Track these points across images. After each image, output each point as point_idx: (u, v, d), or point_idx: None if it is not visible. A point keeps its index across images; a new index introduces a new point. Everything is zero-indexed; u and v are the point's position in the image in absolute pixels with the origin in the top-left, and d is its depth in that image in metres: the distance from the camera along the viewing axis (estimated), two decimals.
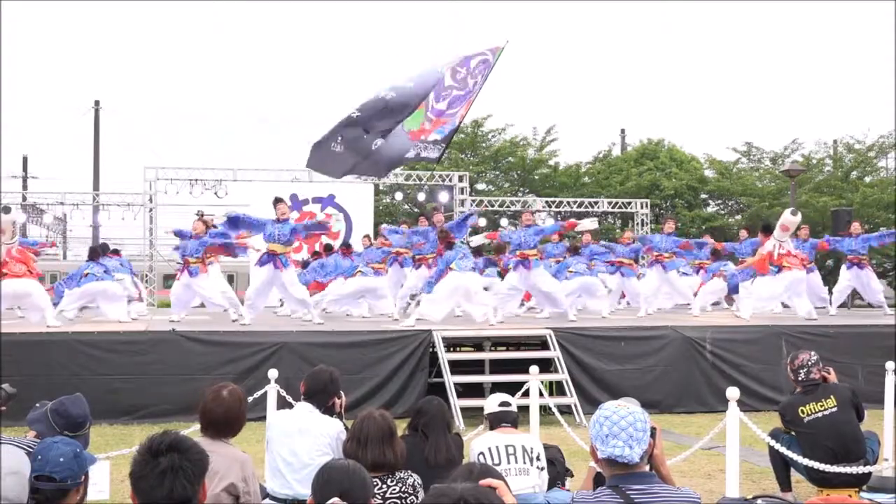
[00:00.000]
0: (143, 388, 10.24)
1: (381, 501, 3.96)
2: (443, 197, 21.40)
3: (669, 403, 11.03)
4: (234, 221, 12.30)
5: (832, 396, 6.17)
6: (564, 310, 12.52)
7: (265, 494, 4.61)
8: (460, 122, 12.38)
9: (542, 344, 11.00)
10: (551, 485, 5.14)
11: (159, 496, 2.58)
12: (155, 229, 19.90)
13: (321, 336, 10.95)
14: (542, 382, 8.45)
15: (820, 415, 6.13)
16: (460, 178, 21.63)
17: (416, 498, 4.05)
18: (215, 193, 19.40)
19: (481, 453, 4.84)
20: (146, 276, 19.46)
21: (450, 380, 10.26)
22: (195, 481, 2.65)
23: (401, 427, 4.64)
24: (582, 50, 78.03)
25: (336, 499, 2.81)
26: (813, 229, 19.65)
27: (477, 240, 13.02)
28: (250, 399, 7.74)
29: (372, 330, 11.28)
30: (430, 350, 10.85)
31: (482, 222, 21.73)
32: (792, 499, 6.27)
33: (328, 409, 4.82)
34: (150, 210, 19.86)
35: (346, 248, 14.88)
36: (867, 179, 28.47)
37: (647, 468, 2.97)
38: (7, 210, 11.40)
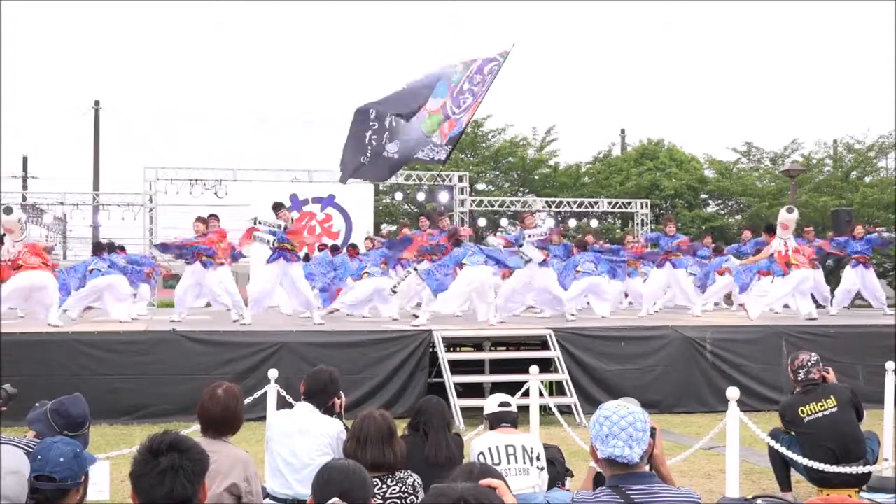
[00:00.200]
0: (143, 388, 10.24)
1: (381, 501, 3.96)
2: (443, 197, 21.40)
3: (669, 403, 11.04)
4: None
5: (832, 396, 6.18)
6: (565, 310, 12.52)
7: (265, 494, 4.61)
8: (467, 125, 12.47)
9: (542, 344, 11.00)
10: (551, 485, 5.14)
11: (159, 496, 2.59)
12: (155, 229, 19.88)
13: (321, 336, 10.95)
14: (542, 382, 8.45)
15: (820, 415, 6.14)
16: (460, 178, 21.63)
17: (416, 498, 4.05)
18: (215, 193, 19.40)
19: (481, 453, 4.84)
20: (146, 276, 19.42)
21: (450, 380, 10.26)
22: (195, 481, 2.65)
23: (401, 427, 4.65)
24: (582, 50, 78.09)
25: (336, 499, 2.82)
26: (814, 229, 19.60)
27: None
28: (250, 399, 7.77)
29: (372, 330, 11.28)
30: (430, 350, 10.85)
31: (482, 222, 21.75)
32: (792, 499, 6.28)
33: (328, 409, 4.82)
34: (150, 210, 19.86)
35: (353, 248, 14.87)
36: (867, 179, 28.47)
37: (647, 468, 2.97)
38: (9, 211, 11.40)
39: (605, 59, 77.41)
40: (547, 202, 23.97)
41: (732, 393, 5.85)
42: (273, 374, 7.83)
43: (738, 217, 29.34)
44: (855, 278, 14.06)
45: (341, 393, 4.97)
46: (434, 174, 21.22)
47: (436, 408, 5.03)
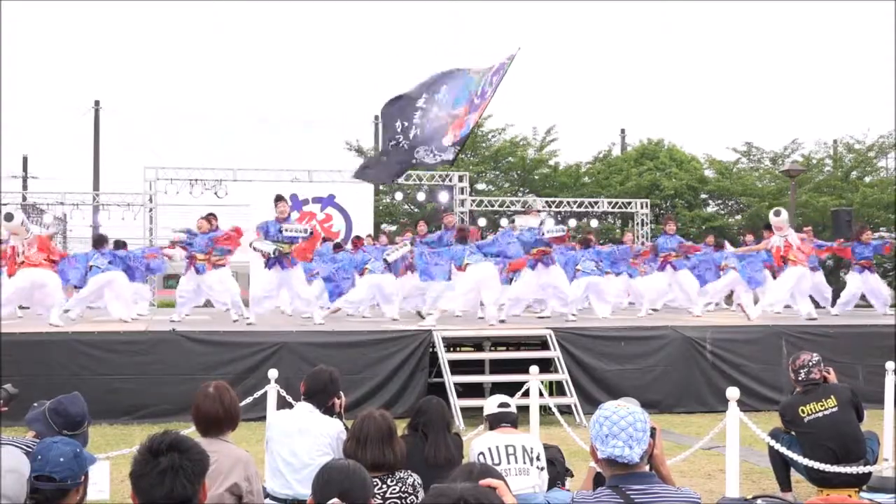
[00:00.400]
0: (143, 388, 10.24)
1: (381, 501, 3.96)
2: (443, 197, 21.40)
3: (669, 403, 11.04)
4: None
5: (832, 396, 6.18)
6: (567, 311, 12.54)
7: (265, 494, 4.61)
8: (474, 126, 12.62)
9: (542, 344, 11.01)
10: (551, 485, 5.14)
11: (159, 495, 2.59)
12: (155, 229, 19.88)
13: (321, 336, 10.95)
14: (542, 382, 8.45)
15: (820, 415, 6.14)
16: (460, 178, 21.63)
17: (416, 498, 4.05)
18: (215, 193, 19.40)
19: (481, 453, 4.84)
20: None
21: (450, 380, 10.27)
22: (195, 481, 2.65)
23: (401, 427, 4.65)
24: (582, 50, 78.07)
25: (336, 499, 2.82)
26: (813, 229, 19.59)
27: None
28: (250, 399, 7.80)
29: (372, 330, 11.29)
30: (430, 350, 10.85)
31: (482, 222, 21.74)
32: (792, 499, 6.28)
33: (328, 409, 4.82)
34: (150, 210, 19.86)
35: (358, 239, 14.89)
36: (867, 179, 28.47)
37: (647, 468, 2.97)
38: (10, 217, 11.40)
39: (604, 60, 77.44)
40: (547, 202, 23.95)
41: (732, 393, 5.85)
42: (273, 374, 7.83)
43: (738, 217, 29.34)
44: (860, 283, 14.07)
45: (341, 393, 4.97)
46: (434, 174, 21.22)
47: (436, 408, 5.04)
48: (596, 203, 23.71)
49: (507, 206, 24.36)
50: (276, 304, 13.47)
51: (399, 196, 25.28)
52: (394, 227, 24.85)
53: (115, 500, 5.81)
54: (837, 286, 17.92)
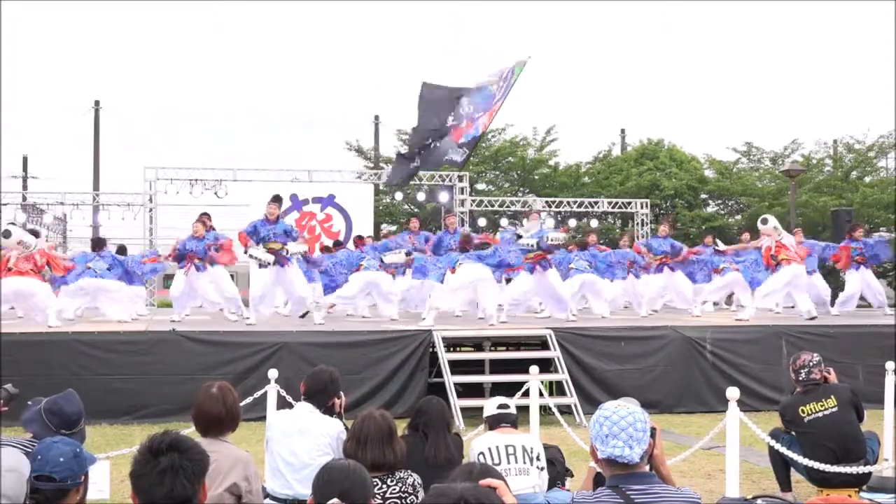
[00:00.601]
0: (143, 388, 10.24)
1: (381, 501, 3.96)
2: (443, 197, 21.38)
3: (669, 403, 11.04)
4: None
5: (832, 396, 6.18)
6: (566, 312, 12.53)
7: (265, 494, 4.61)
8: (483, 131, 12.77)
9: (542, 344, 11.01)
10: (551, 485, 5.15)
11: (159, 495, 2.59)
12: (155, 229, 19.86)
13: (321, 336, 10.95)
14: (542, 382, 8.45)
15: (820, 415, 6.14)
16: (460, 178, 21.62)
17: (416, 498, 4.05)
18: (215, 193, 19.37)
19: (481, 453, 4.84)
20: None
21: (450, 380, 10.27)
22: (195, 481, 2.65)
23: (401, 427, 4.65)
24: (582, 50, 78.07)
25: (336, 499, 2.82)
26: (813, 229, 19.63)
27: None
28: (250, 399, 7.80)
29: (372, 330, 11.29)
30: (430, 350, 10.85)
31: (482, 222, 21.73)
32: (792, 499, 6.28)
33: (328, 409, 4.82)
34: (150, 210, 19.84)
35: (359, 239, 14.90)
36: (867, 179, 28.44)
37: (647, 468, 2.97)
38: (7, 234, 11.38)
39: (605, 60, 77.44)
40: (547, 202, 23.94)
41: (732, 393, 5.85)
42: (273, 374, 7.83)
43: (738, 217, 29.32)
44: (858, 281, 14.08)
45: (341, 393, 4.97)
46: (434, 174, 21.21)
47: (436, 408, 5.04)
48: (596, 203, 23.69)
49: (507, 206, 24.34)
50: (276, 304, 13.48)
51: (399, 196, 25.27)
52: (394, 228, 24.82)
53: (115, 500, 5.81)
54: (837, 286, 17.92)
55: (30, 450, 3.22)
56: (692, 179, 28.66)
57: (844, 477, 5.96)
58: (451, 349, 11.44)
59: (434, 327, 11.05)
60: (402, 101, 66.31)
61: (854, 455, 6.11)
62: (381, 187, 25.34)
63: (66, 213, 21.78)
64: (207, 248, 12.30)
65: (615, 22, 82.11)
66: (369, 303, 14.09)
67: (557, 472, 5.42)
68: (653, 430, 2.98)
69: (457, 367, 10.64)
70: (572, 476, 5.76)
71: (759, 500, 5.78)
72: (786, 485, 6.44)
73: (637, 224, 22.79)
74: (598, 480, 3.69)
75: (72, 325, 11.38)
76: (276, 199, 12.03)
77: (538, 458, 4.92)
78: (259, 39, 78.74)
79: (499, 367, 10.92)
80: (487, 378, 10.77)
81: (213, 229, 13.04)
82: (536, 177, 28.78)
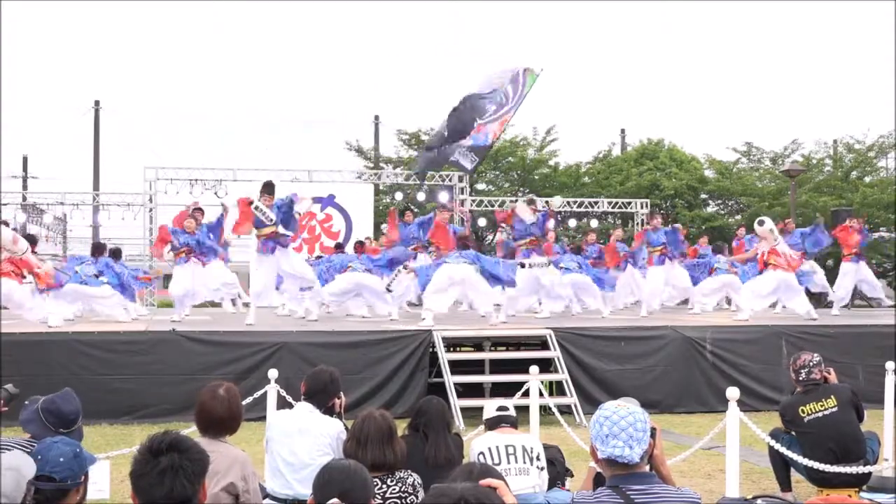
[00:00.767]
0: (143, 388, 10.24)
1: (381, 501, 3.96)
2: (443, 197, 21.37)
3: (669, 403, 11.04)
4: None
5: (832, 396, 6.18)
6: (564, 307, 12.58)
7: (265, 494, 4.61)
8: (494, 139, 12.91)
9: (542, 344, 11.01)
10: (551, 485, 5.15)
11: (159, 495, 2.59)
12: (155, 229, 19.87)
13: (321, 336, 10.95)
14: (542, 382, 8.44)
15: (820, 415, 6.14)
16: (460, 178, 21.61)
17: (416, 498, 4.05)
18: (215, 193, 19.37)
19: (481, 453, 4.84)
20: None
21: (450, 380, 10.27)
22: (195, 481, 2.65)
23: (401, 427, 4.65)
24: (582, 50, 78.03)
25: (336, 499, 2.82)
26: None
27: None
28: (250, 399, 7.79)
29: (372, 330, 11.29)
30: (430, 350, 10.85)
31: (482, 222, 21.73)
32: (792, 499, 6.28)
33: (328, 409, 4.82)
34: (150, 210, 19.85)
35: (360, 245, 14.91)
36: (867, 179, 28.45)
37: (647, 468, 2.97)
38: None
39: (604, 60, 77.38)
40: (547, 202, 23.94)
41: (732, 393, 5.86)
42: (273, 374, 7.83)
43: (738, 217, 29.31)
44: (853, 273, 14.13)
45: (341, 393, 4.97)
46: (434, 174, 21.21)
47: (436, 408, 5.04)
48: (596, 203, 23.69)
49: (507, 207, 24.33)
50: (278, 297, 13.48)
51: (399, 196, 25.27)
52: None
53: (115, 500, 5.82)
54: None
55: (29, 450, 3.22)
56: (692, 179, 28.67)
57: (844, 477, 5.96)
58: (451, 349, 11.44)
59: (434, 327, 11.04)
60: (403, 101, 66.34)
61: (854, 455, 6.11)
62: (381, 187, 25.34)
63: (66, 213, 21.78)
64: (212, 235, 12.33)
65: (615, 22, 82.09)
66: (357, 299, 14.08)
67: (557, 472, 5.42)
68: (653, 430, 2.98)
69: (457, 367, 10.64)
70: (572, 476, 5.76)
71: (759, 500, 5.79)
72: (786, 485, 6.44)
73: (637, 224, 22.78)
74: (598, 480, 3.69)
75: (72, 325, 11.38)
76: (269, 190, 11.88)
77: (538, 458, 4.92)
78: (259, 39, 78.73)
79: (499, 367, 10.91)
80: (487, 378, 10.77)
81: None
82: (536, 177, 28.79)
